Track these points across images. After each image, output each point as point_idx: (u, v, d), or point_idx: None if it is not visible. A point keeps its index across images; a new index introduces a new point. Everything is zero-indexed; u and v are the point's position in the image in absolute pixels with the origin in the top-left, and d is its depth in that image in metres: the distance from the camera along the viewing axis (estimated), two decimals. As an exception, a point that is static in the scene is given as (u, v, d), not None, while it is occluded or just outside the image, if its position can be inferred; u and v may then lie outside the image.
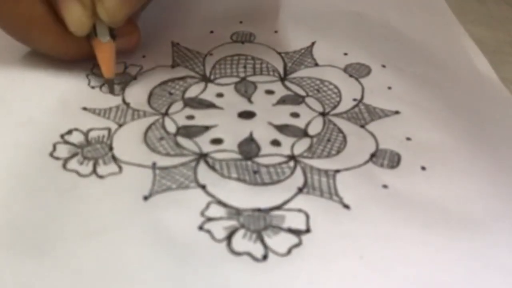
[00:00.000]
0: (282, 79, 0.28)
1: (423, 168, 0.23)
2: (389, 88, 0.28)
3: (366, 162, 0.24)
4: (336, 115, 0.26)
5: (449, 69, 0.30)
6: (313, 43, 0.30)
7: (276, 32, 0.31)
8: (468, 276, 0.19)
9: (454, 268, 0.20)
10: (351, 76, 0.28)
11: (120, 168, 0.23)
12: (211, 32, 0.31)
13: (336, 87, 0.28)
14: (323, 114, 0.26)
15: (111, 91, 0.27)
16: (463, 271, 0.20)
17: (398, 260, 0.20)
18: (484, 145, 0.25)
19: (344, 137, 0.25)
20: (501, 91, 0.29)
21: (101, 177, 0.22)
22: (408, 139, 0.25)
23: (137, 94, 0.27)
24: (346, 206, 0.21)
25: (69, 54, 0.27)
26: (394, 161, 0.24)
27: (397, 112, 0.26)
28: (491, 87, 0.29)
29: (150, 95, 0.27)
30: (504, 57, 0.30)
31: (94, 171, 0.23)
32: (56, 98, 0.26)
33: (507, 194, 0.23)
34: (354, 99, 0.27)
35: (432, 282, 0.19)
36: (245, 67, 0.29)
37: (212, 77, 0.28)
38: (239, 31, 0.31)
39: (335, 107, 0.27)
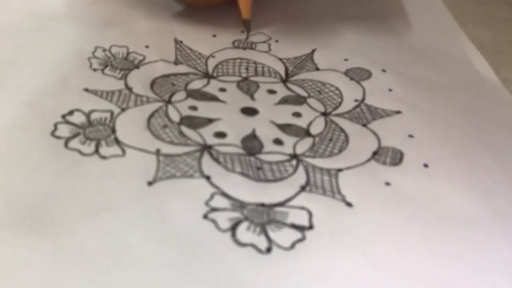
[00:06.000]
0: (284, 81, 0.28)
1: (426, 166, 0.24)
2: (390, 90, 0.28)
3: (368, 160, 0.24)
4: (338, 115, 0.26)
5: (449, 71, 0.30)
6: (313, 50, 0.31)
7: (277, 41, 0.31)
8: (470, 272, 0.19)
9: (456, 264, 0.19)
10: (352, 79, 0.29)
11: (123, 151, 0.22)
12: (214, 36, 0.31)
13: (337, 88, 0.28)
14: (325, 114, 0.26)
15: (247, 30, 0.31)
16: (465, 267, 0.19)
17: (400, 256, 0.19)
18: (485, 144, 0.25)
19: (346, 136, 0.25)
20: (500, 91, 0.29)
21: (103, 157, 0.22)
22: (411, 136, 0.25)
23: (139, 80, 0.27)
24: (349, 204, 0.21)
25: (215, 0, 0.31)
26: (396, 158, 0.24)
27: (398, 112, 0.27)
28: (490, 87, 0.29)
29: (153, 83, 0.27)
30: (505, 58, 0.31)
31: (96, 151, 0.22)
32: (57, 79, 0.26)
33: (508, 192, 0.23)
34: (356, 100, 0.27)
35: (434, 278, 0.19)
36: (247, 69, 0.29)
37: (214, 74, 0.28)
38: (241, 39, 0.31)
39: (336, 107, 0.27)
